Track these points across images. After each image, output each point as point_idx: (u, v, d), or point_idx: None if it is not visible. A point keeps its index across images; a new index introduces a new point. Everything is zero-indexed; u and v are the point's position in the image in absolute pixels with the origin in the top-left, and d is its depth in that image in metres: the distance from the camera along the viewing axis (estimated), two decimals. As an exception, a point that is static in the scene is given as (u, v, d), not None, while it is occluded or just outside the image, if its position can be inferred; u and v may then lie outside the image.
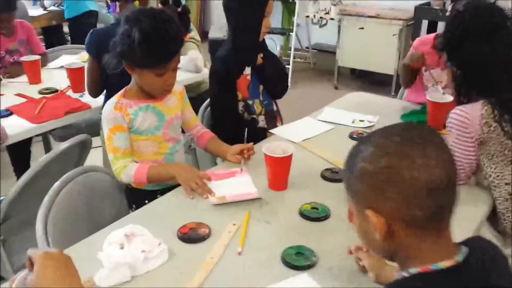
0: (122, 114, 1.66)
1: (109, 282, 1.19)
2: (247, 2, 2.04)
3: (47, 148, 3.16)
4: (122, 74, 1.66)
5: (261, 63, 2.19)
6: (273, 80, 2.27)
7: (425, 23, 4.85)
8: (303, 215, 1.49)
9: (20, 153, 3.12)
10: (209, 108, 2.43)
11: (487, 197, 1.65)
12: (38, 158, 3.26)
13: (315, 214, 1.48)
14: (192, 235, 1.38)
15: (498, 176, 1.59)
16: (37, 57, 2.78)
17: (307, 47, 6.01)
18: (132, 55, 1.56)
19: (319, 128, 2.15)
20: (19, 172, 3.22)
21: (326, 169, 1.77)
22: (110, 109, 1.66)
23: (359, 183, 0.83)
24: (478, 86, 1.59)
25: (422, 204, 0.78)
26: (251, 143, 1.81)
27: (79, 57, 3.14)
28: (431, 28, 4.92)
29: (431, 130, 0.85)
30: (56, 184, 1.56)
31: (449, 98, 2.12)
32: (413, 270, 0.80)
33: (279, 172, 1.63)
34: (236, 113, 2.17)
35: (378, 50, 4.86)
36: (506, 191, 1.60)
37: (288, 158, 1.61)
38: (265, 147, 1.64)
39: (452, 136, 1.59)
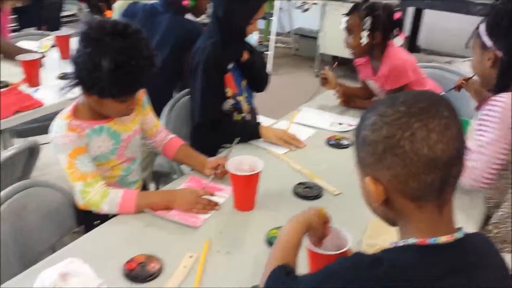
0: (78, 135, 1.42)
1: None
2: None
3: (5, 145, 2.93)
4: None
5: (249, 58, 2.02)
6: (262, 74, 2.13)
7: (411, 11, 4.67)
8: (271, 244, 1.30)
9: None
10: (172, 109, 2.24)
11: (479, 202, 1.50)
12: (-4, 153, 3.07)
13: (284, 244, 1.30)
14: (139, 273, 1.19)
15: None
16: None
17: (288, 32, 5.78)
18: (94, 83, 1.33)
19: (301, 134, 1.94)
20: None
21: (299, 184, 1.59)
22: (63, 132, 1.41)
23: (362, 151, 0.82)
24: None
25: (421, 178, 0.76)
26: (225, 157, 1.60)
27: (40, 45, 2.90)
28: (418, 16, 4.75)
29: (442, 101, 0.79)
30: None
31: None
32: (411, 241, 0.79)
33: (245, 191, 1.45)
34: (225, 113, 1.99)
35: (362, 37, 4.66)
36: None
37: (255, 177, 1.42)
38: (230, 163, 1.45)
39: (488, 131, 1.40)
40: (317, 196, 1.53)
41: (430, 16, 4.74)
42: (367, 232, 1.32)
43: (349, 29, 2.01)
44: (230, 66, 1.99)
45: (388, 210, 0.83)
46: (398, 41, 2.02)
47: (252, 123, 2.01)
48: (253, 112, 2.14)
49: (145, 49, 1.36)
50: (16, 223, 1.42)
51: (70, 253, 1.25)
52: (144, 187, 1.77)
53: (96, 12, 3.26)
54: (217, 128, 1.95)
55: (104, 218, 1.45)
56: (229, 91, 1.98)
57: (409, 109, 0.76)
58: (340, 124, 2.04)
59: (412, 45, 4.75)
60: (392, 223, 0.88)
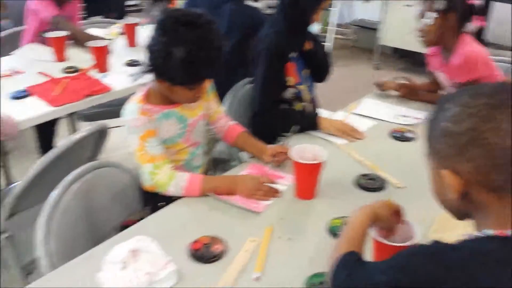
0: (149, 118, 1.48)
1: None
2: None
3: (73, 128, 3.07)
4: None
5: (312, 48, 2.03)
6: (324, 64, 2.14)
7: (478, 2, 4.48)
8: (333, 233, 1.30)
9: (45, 130, 3.04)
10: (235, 96, 2.27)
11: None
12: (64, 136, 3.22)
13: (346, 234, 1.30)
14: (204, 253, 1.22)
15: None
16: (63, 33, 2.64)
17: (347, 23, 5.70)
18: (167, 71, 1.40)
19: (360, 125, 1.91)
20: (43, 150, 3.15)
21: (363, 175, 1.58)
22: (136, 115, 1.47)
23: (440, 143, 0.81)
24: None
25: (503, 170, 0.75)
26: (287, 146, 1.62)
27: (108, 32, 3.01)
28: (484, 7, 4.54)
29: None
30: (62, 183, 1.42)
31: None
32: (489, 232, 0.78)
33: (308, 180, 1.45)
34: (286, 102, 2.01)
35: (425, 29, 4.53)
36: None
37: (318, 166, 1.42)
38: (293, 150, 1.46)
39: None
40: (380, 188, 1.51)
41: (499, 9, 4.54)
42: (434, 226, 1.29)
43: (423, 14, 1.95)
44: (293, 55, 1.99)
45: (464, 203, 0.81)
46: (470, 26, 1.94)
47: (311, 113, 2.01)
48: (314, 102, 2.14)
49: (216, 39, 1.39)
50: (86, 203, 1.49)
51: (137, 232, 1.30)
52: (204, 173, 1.81)
53: (160, 2, 3.33)
54: (276, 116, 1.96)
55: (169, 200, 1.50)
56: (291, 80, 1.98)
57: (492, 100, 0.76)
58: (405, 116, 1.99)
59: (478, 39, 4.56)
60: (463, 216, 0.86)
